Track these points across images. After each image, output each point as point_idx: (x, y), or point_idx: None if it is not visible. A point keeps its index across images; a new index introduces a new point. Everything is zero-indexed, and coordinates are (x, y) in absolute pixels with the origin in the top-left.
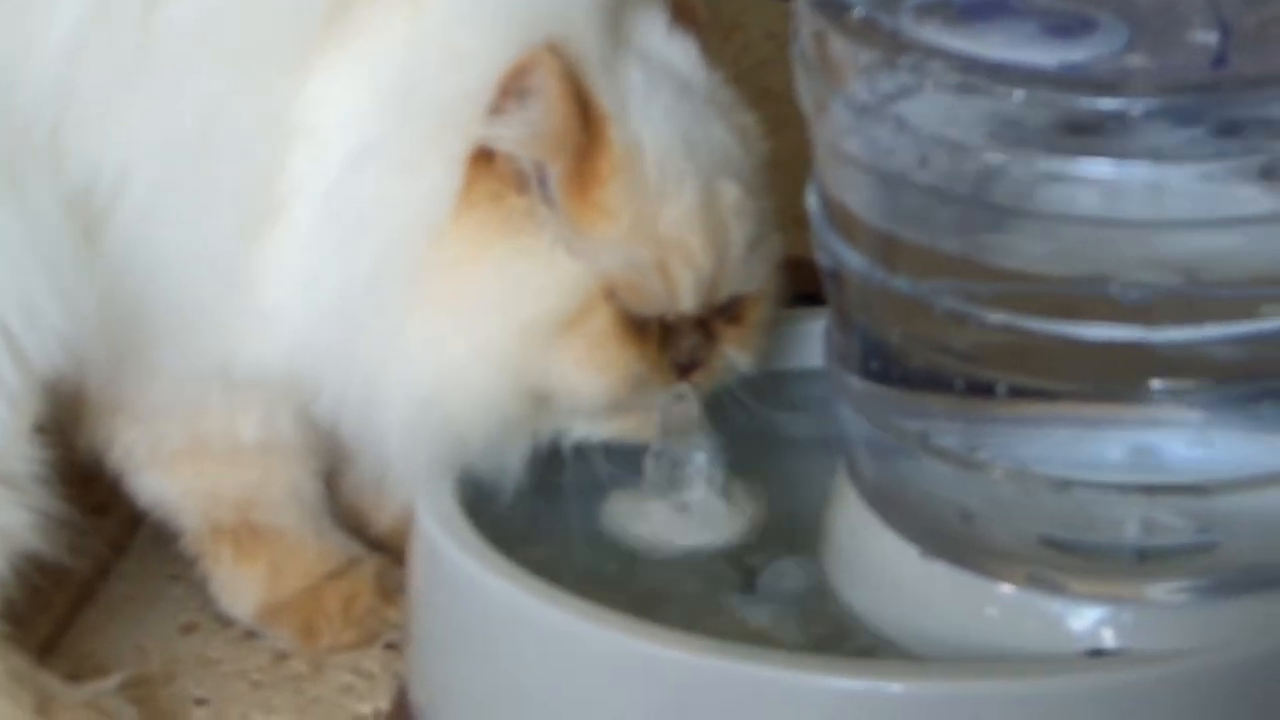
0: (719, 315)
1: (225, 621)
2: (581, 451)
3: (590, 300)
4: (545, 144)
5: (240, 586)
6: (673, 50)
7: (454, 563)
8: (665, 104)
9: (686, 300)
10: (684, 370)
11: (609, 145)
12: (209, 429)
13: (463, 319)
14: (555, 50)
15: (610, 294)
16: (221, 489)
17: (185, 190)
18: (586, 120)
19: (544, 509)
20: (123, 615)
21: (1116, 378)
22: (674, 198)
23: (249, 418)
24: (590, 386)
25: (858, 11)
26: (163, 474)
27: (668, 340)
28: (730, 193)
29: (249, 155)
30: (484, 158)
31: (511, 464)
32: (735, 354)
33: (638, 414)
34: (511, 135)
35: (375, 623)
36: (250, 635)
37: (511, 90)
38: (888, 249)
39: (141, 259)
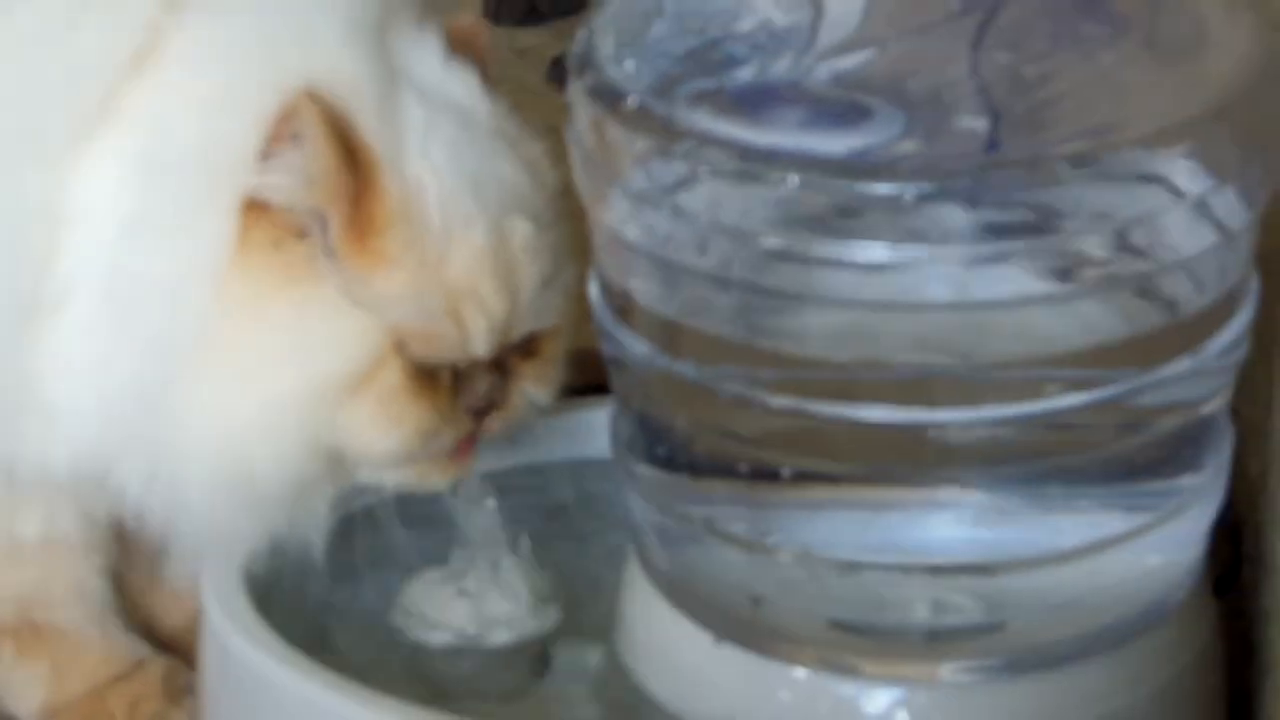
0: (514, 352)
1: None
2: (379, 538)
3: (380, 354)
4: (316, 191)
5: (22, 686)
6: (453, 82)
7: (245, 660)
8: (447, 141)
9: (480, 346)
10: (479, 414)
11: (383, 190)
12: None
13: (248, 377)
14: (315, 94)
15: (400, 346)
16: (1, 587)
17: None
18: (356, 165)
19: (338, 600)
20: None
21: (898, 459)
22: (461, 241)
23: (31, 515)
24: (382, 444)
25: (632, 99)
26: None
27: (461, 385)
28: (521, 230)
29: (22, 246)
30: (260, 204)
31: (314, 523)
32: (533, 390)
33: (427, 462)
34: (281, 183)
35: None
36: None
37: (281, 136)
38: (670, 335)
39: None
